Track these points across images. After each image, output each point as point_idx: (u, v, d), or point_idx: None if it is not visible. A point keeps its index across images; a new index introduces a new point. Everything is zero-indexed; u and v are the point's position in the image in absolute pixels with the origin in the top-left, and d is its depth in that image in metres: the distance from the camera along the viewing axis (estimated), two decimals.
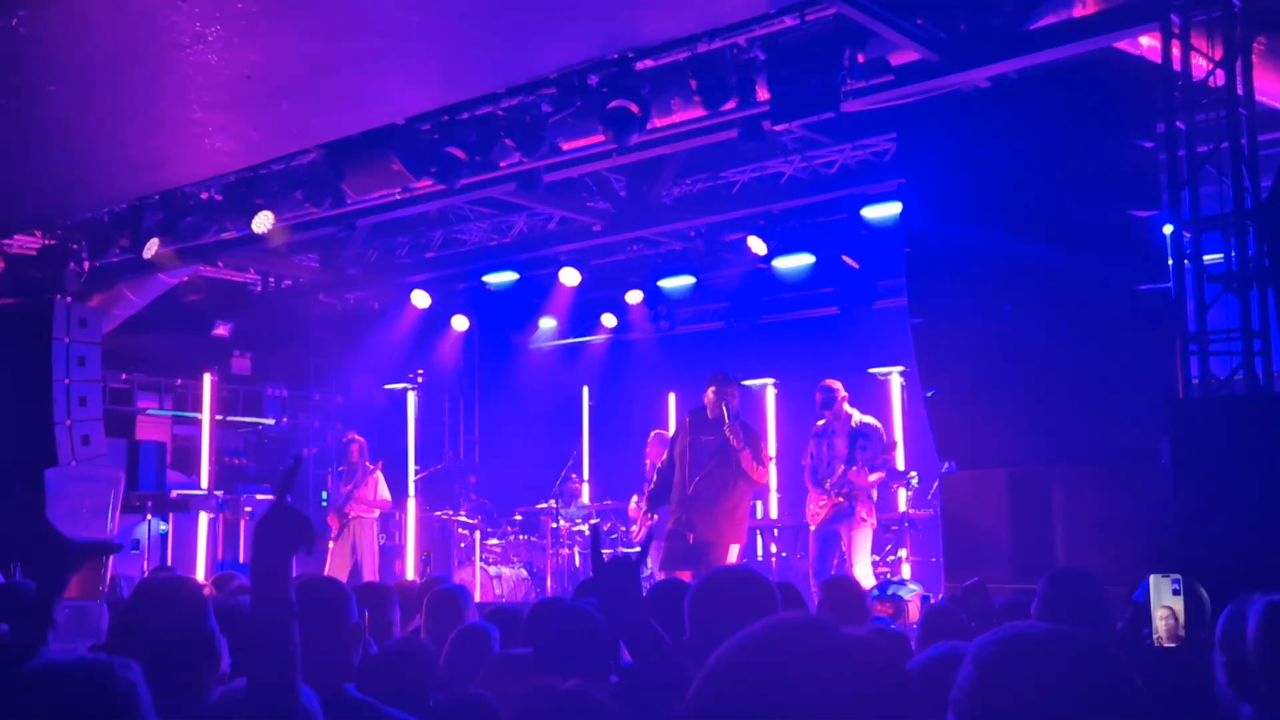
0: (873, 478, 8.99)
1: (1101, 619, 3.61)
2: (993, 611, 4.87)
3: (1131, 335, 6.83)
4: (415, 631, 4.91)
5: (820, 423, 9.29)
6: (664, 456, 8.66)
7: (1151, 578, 3.47)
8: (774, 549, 11.22)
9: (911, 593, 7.37)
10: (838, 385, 9.16)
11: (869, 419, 9.19)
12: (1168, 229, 6.64)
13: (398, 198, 9.57)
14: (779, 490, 12.50)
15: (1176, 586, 3.42)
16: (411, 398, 13.19)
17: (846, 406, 9.18)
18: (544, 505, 12.24)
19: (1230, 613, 2.93)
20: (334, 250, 12.89)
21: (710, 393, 8.31)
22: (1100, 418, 6.91)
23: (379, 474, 11.53)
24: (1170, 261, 6.38)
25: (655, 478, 8.65)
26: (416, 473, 13.05)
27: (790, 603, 4.26)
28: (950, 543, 7.40)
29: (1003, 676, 1.44)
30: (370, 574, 10.89)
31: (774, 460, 12.23)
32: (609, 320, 13.96)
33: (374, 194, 9.22)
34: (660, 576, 8.56)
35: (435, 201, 10.25)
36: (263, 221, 9.67)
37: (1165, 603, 3.46)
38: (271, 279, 13.79)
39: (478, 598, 10.49)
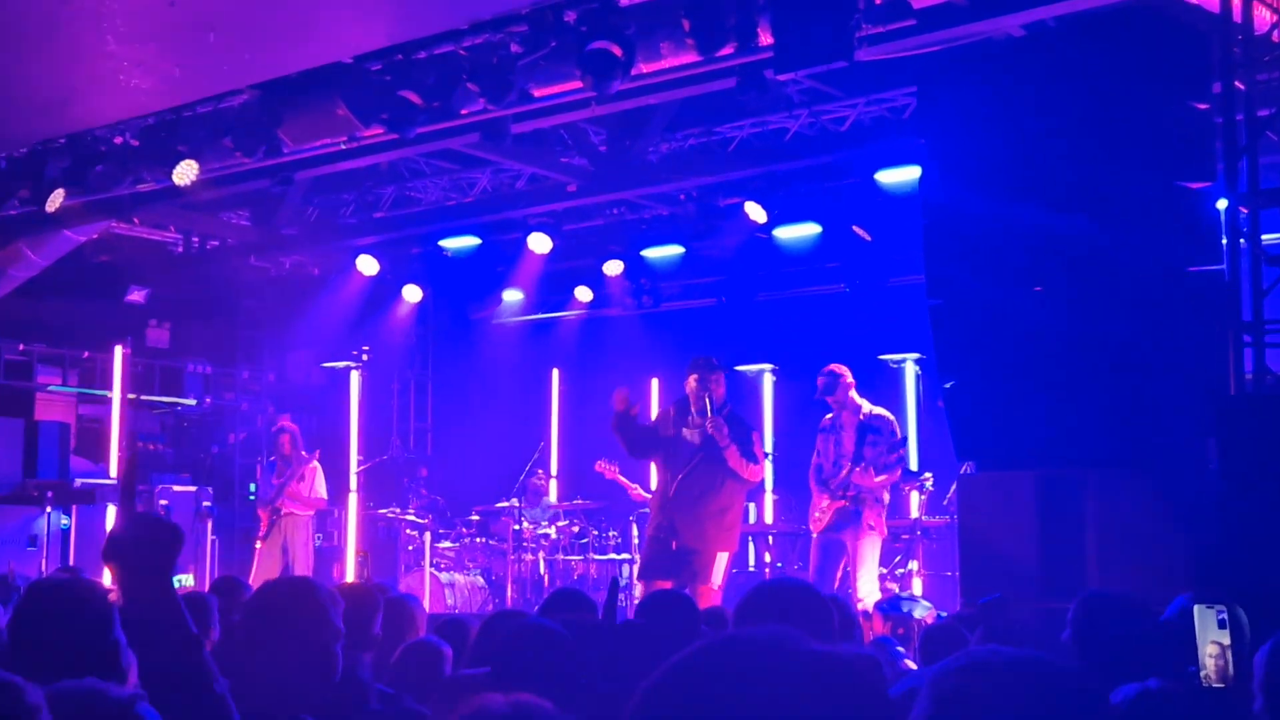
0: (880, 479, 9.00)
1: (1146, 649, 3.64)
2: (1016, 633, 4.92)
3: (1178, 323, 6.88)
4: None
5: (829, 416, 9.32)
6: (655, 424, 8.62)
7: (1196, 609, 3.49)
8: (768, 558, 11.28)
9: (924, 611, 7.43)
10: (844, 370, 9.19)
11: (880, 410, 9.22)
12: (1222, 203, 6.69)
13: (343, 148, 9.53)
14: (775, 491, 12.55)
15: (1223, 617, 3.43)
16: (355, 378, 13.16)
17: (855, 395, 9.19)
18: (505, 504, 12.27)
19: (1273, 648, 2.93)
20: (268, 207, 12.82)
21: (691, 381, 8.35)
22: (1141, 415, 6.97)
23: (315, 465, 11.54)
24: (1224, 240, 6.42)
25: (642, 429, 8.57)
26: (359, 464, 13.04)
27: (846, 625, 4.25)
28: (968, 555, 7.45)
29: (962, 715, 1.39)
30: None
31: (770, 457, 12.29)
32: (584, 294, 13.95)
33: (315, 143, 9.16)
34: (638, 588, 8.61)
35: (386, 153, 10.18)
36: (185, 172, 9.61)
37: (1213, 637, 3.44)
38: (195, 239, 13.71)
39: (426, 608, 10.52)
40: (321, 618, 3.17)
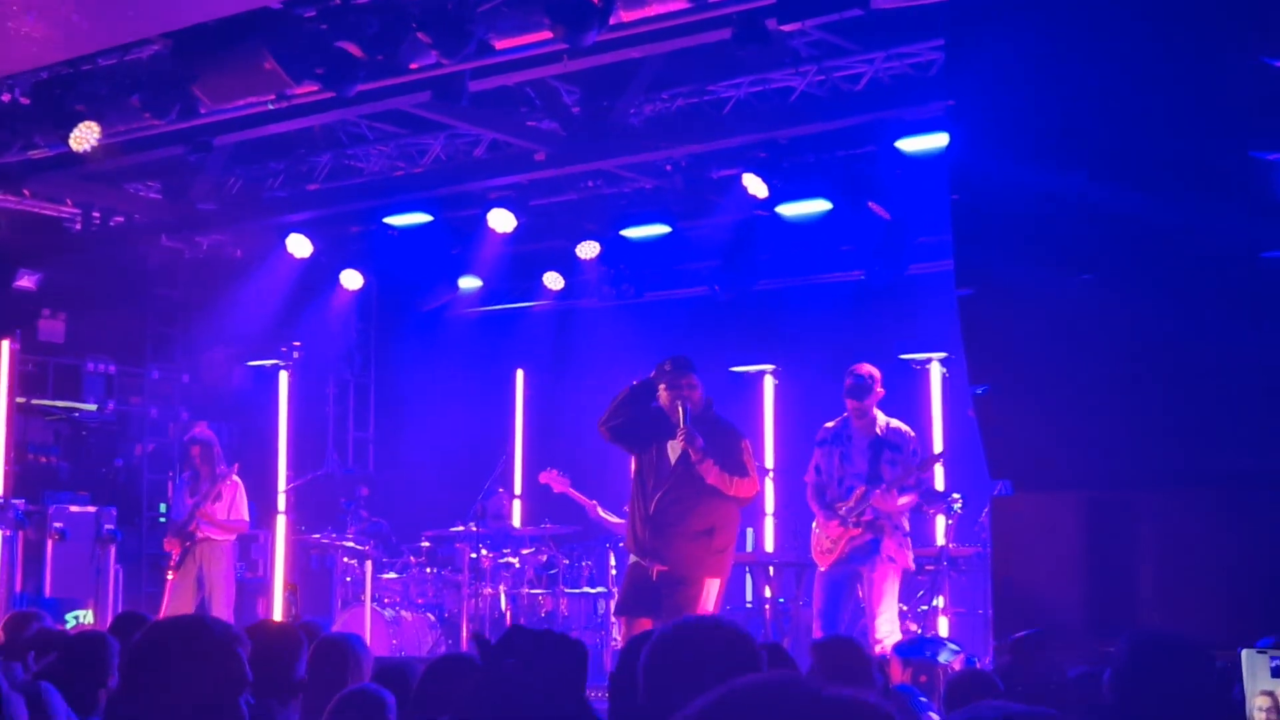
0: (904, 501, 9.00)
1: (1207, 702, 3.62)
2: (1055, 681, 4.89)
3: (1250, 317, 6.86)
4: None
5: (829, 424, 9.29)
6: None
7: (1244, 653, 3.49)
8: (768, 593, 11.24)
9: (950, 655, 7.40)
10: (876, 374, 9.17)
11: (897, 423, 9.22)
12: None
13: (270, 109, 9.48)
14: (776, 514, 12.54)
15: (1277, 664, 3.43)
16: (284, 380, 13.09)
17: (875, 407, 9.19)
18: (460, 529, 12.21)
19: None
20: (182, 178, 12.77)
21: (662, 393, 8.35)
22: (1207, 427, 6.95)
23: (236, 481, 11.47)
24: None
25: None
26: (288, 481, 12.97)
27: (777, 665, 4.26)
28: (1002, 590, 7.44)
29: None
30: (222, 613, 10.84)
31: (771, 473, 12.27)
32: (553, 281, 13.92)
33: (237, 102, 9.14)
34: (618, 627, 8.57)
35: (321, 115, 10.15)
36: (85, 136, 9.55)
37: (1264, 686, 3.46)
38: (96, 214, 13.63)
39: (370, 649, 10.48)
40: (218, 663, 3.14)
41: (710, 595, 8.22)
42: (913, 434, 9.24)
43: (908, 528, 9.17)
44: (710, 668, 2.77)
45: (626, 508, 8.70)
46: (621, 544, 11.85)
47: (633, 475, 8.54)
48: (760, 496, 12.29)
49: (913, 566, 9.22)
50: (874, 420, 9.14)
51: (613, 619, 8.20)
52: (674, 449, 8.32)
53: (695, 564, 8.20)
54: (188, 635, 3.23)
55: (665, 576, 8.17)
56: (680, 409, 8.23)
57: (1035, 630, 5.22)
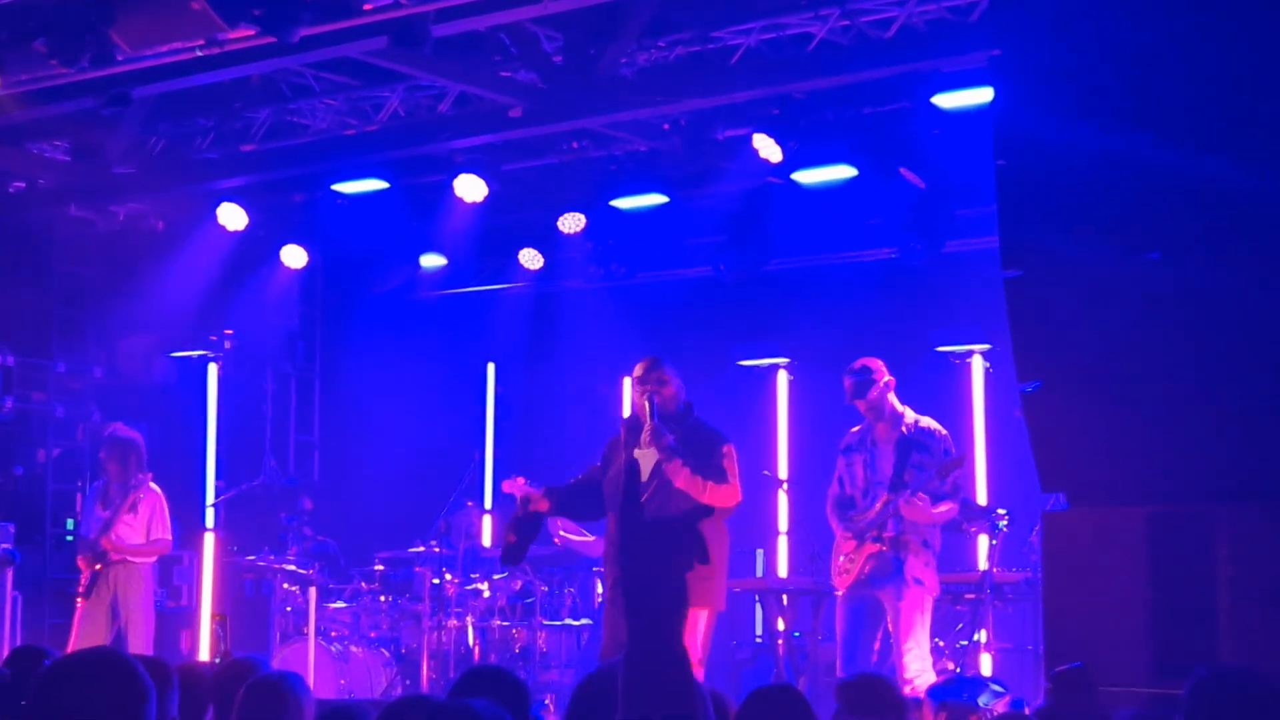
0: (939, 510, 9.01)
1: None
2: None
3: None
4: None
5: (856, 429, 9.33)
6: (586, 469, 8.86)
7: None
8: (781, 624, 11.26)
9: (992, 698, 7.43)
10: (879, 365, 9.22)
11: (928, 421, 9.25)
12: None
13: (199, 55, 9.48)
14: (790, 533, 12.56)
15: None
16: (213, 373, 13.11)
17: (894, 400, 9.20)
18: (421, 549, 12.22)
19: None
20: (95, 136, 12.75)
21: (635, 394, 8.56)
22: None
23: (156, 492, 11.46)
24: None
25: (569, 482, 8.83)
26: (218, 493, 12.98)
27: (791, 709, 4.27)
28: (1055, 621, 7.44)
29: None
30: (140, 647, 10.85)
31: (785, 485, 12.28)
32: (531, 259, 13.94)
33: (161, 48, 9.12)
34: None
35: (259, 63, 10.15)
36: None
37: None
38: None
39: (314, 690, 10.49)
40: (134, 709, 3.18)
41: (699, 628, 8.29)
42: (944, 432, 9.26)
43: (938, 546, 9.17)
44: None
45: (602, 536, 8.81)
46: (597, 570, 11.93)
47: (606, 497, 8.65)
48: (739, 507, 12.34)
49: (938, 591, 9.24)
50: (899, 418, 9.17)
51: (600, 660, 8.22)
52: (646, 460, 8.44)
53: (692, 593, 8.25)
54: (110, 671, 3.26)
55: None
56: (647, 405, 8.39)
57: (1077, 665, 5.23)
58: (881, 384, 9.18)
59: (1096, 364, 7.45)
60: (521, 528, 8.87)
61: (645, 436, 8.37)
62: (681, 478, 8.31)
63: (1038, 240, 7.61)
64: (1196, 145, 7.11)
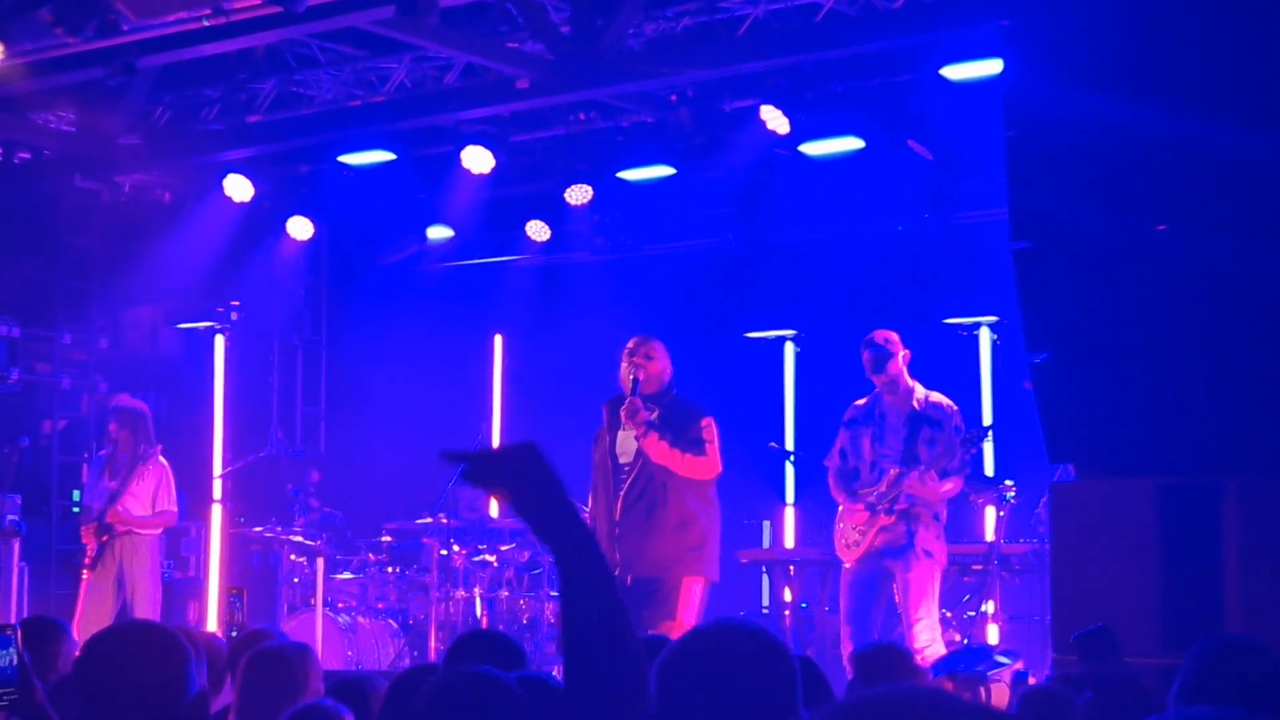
0: (947, 487, 9.04)
1: None
2: (1125, 682, 4.91)
3: None
4: (221, 714, 4.91)
5: (859, 402, 9.33)
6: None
7: None
8: (789, 595, 11.29)
9: (1001, 666, 7.44)
10: (895, 338, 9.21)
11: (939, 396, 9.25)
12: None
13: (205, 25, 9.47)
14: (797, 504, 12.58)
15: None
16: (220, 345, 13.08)
17: (907, 376, 9.20)
18: (428, 520, 12.24)
19: None
20: (101, 107, 12.72)
21: (622, 368, 8.66)
22: None
23: (163, 464, 11.47)
24: None
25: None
26: (225, 465, 12.98)
27: (812, 685, 4.28)
28: (1062, 592, 7.45)
29: None
30: (146, 618, 10.87)
31: (793, 457, 12.29)
32: (538, 231, 13.93)
33: (167, 18, 9.11)
34: None
35: (265, 33, 10.13)
36: None
37: None
38: None
39: (322, 661, 10.51)
40: (178, 680, 3.25)
41: (692, 600, 8.38)
42: (955, 408, 9.26)
43: (944, 518, 9.19)
44: (735, 681, 2.81)
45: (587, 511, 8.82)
46: None
47: (592, 473, 8.73)
48: (771, 485, 12.35)
49: (946, 562, 9.26)
50: (910, 392, 9.16)
51: None
52: (628, 443, 8.57)
53: (671, 564, 8.40)
54: (151, 643, 3.34)
55: (640, 582, 8.36)
56: (630, 380, 8.50)
57: (1100, 625, 5.22)
58: (900, 357, 9.18)
59: (1105, 335, 7.45)
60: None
61: (622, 412, 8.49)
62: (658, 451, 8.42)
63: (1047, 211, 7.60)
64: (1207, 115, 7.10)
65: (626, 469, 8.57)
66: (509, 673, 3.57)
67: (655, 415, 8.53)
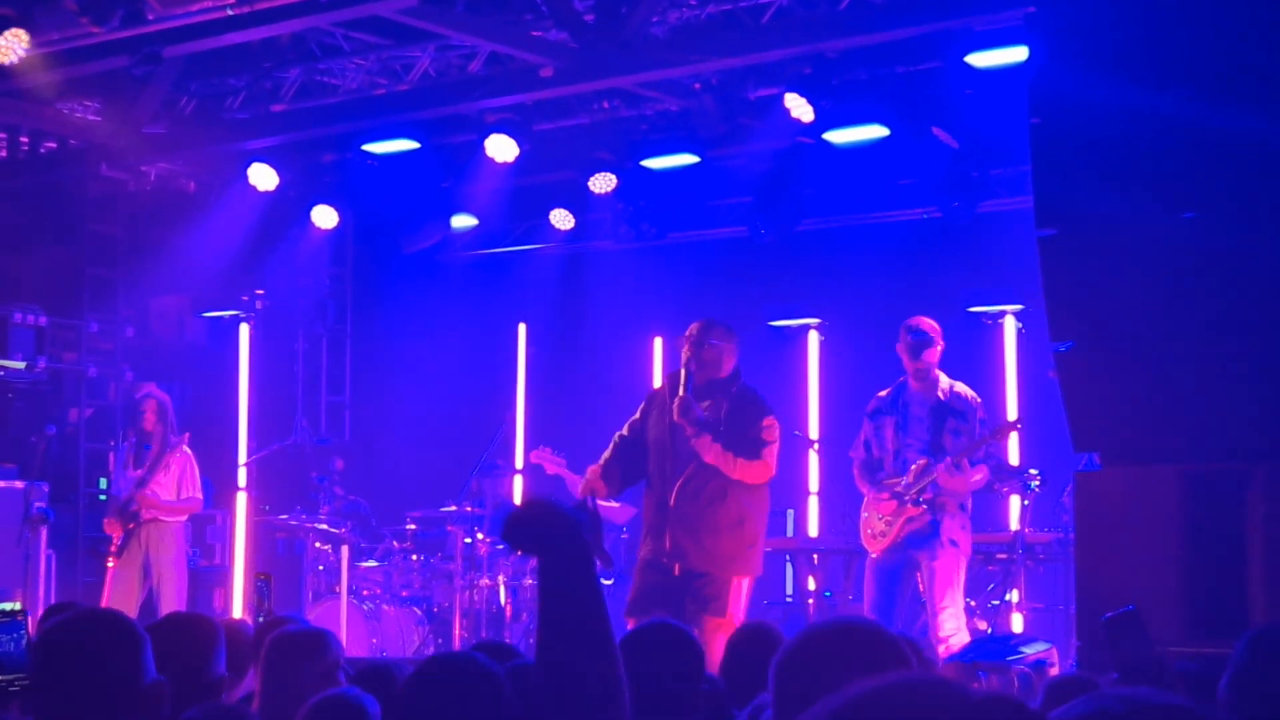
0: (976, 478, 9.02)
1: None
2: (1149, 666, 4.91)
3: None
4: (246, 699, 4.93)
5: (882, 393, 9.31)
6: (626, 427, 8.75)
7: None
8: (812, 584, 11.29)
9: (1028, 651, 7.44)
10: (937, 328, 9.18)
11: (963, 387, 9.23)
12: None
13: (229, 14, 9.48)
14: (821, 494, 12.57)
15: None
16: (245, 333, 13.13)
17: (936, 367, 9.19)
18: (452, 509, 12.26)
19: None
20: (126, 96, 12.76)
21: (685, 351, 8.46)
22: None
23: (187, 453, 11.52)
24: None
25: (610, 451, 8.72)
26: (250, 453, 13.02)
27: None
28: (1087, 582, 7.44)
29: None
30: (172, 606, 10.92)
31: (817, 445, 12.28)
32: (562, 220, 13.92)
33: (192, 6, 9.11)
34: (629, 625, 8.65)
35: (290, 21, 10.16)
36: (11, 46, 9.55)
37: None
38: (24, 139, 13.65)
39: (346, 648, 10.55)
40: (131, 667, 3.29)
41: (740, 596, 8.34)
42: (979, 400, 9.24)
43: (970, 507, 9.18)
44: (856, 676, 2.83)
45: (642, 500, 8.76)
46: (624, 535, 11.96)
47: (649, 458, 8.60)
48: (796, 474, 12.34)
49: (971, 552, 9.24)
50: (935, 382, 9.15)
51: (625, 618, 8.28)
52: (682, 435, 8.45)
53: (723, 558, 8.32)
54: (106, 632, 3.39)
55: (689, 574, 8.28)
56: (683, 374, 8.37)
57: (1129, 608, 5.21)
58: (937, 347, 9.15)
59: (1131, 323, 7.43)
60: (590, 531, 8.86)
61: (674, 409, 8.34)
62: (711, 453, 8.29)
63: (1072, 199, 7.58)
64: (1234, 101, 7.07)
65: (688, 455, 8.36)
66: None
67: (708, 408, 8.34)
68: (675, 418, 8.33)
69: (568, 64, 11.09)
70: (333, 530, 12.41)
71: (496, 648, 5.00)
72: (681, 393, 8.32)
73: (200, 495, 11.65)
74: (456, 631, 11.72)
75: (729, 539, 8.31)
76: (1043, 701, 4.75)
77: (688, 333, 8.50)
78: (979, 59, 10.40)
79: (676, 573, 8.27)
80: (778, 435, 8.57)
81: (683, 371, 8.39)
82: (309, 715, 4.20)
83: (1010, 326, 11.70)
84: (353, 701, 4.26)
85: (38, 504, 12.46)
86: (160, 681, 3.38)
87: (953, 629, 8.75)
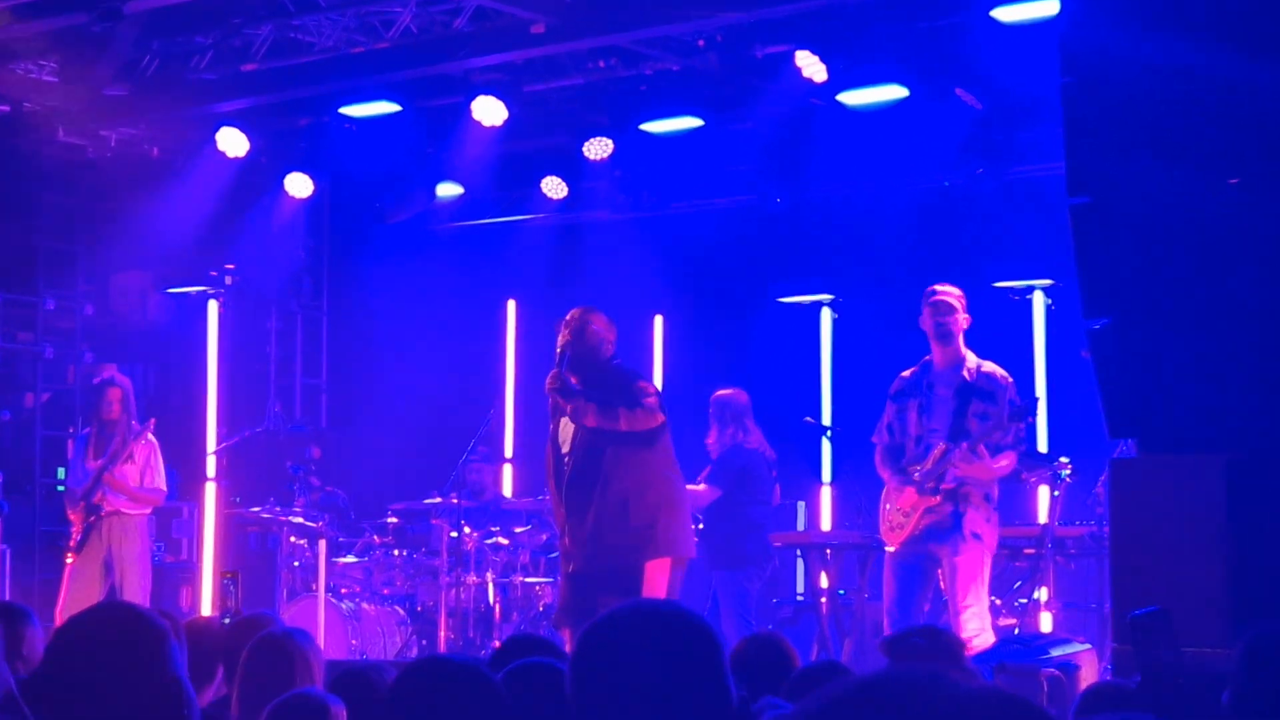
0: (1001, 464, 9.00)
1: None
2: (1172, 671, 4.89)
3: None
4: (221, 702, 4.94)
5: (905, 374, 9.29)
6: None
7: None
8: (825, 581, 11.26)
9: (1061, 652, 7.42)
10: (961, 295, 9.16)
11: (992, 366, 9.21)
12: None
13: None
14: (834, 483, 12.55)
15: None
16: (213, 311, 13.10)
17: (962, 342, 9.15)
18: (437, 500, 12.24)
19: None
20: (85, 55, 12.72)
21: (562, 335, 8.79)
22: None
23: (151, 440, 11.50)
24: None
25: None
26: (219, 440, 12.99)
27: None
28: (1122, 577, 7.42)
29: None
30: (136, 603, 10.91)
31: (829, 432, 12.26)
32: (554, 188, 13.91)
33: None
34: (563, 635, 8.73)
35: None
36: None
37: None
38: None
39: (324, 650, 10.54)
40: (160, 666, 3.27)
41: (658, 584, 8.46)
42: (1010, 379, 9.22)
43: (996, 497, 9.15)
44: (653, 667, 2.80)
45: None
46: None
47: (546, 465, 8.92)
48: (808, 463, 12.34)
49: (996, 546, 9.21)
50: (962, 361, 9.11)
51: (560, 630, 8.46)
52: (567, 425, 8.73)
53: (625, 551, 8.51)
54: (131, 628, 3.37)
55: (603, 572, 8.47)
56: (559, 355, 8.67)
57: (1157, 608, 5.19)
58: (961, 316, 9.13)
59: (1170, 299, 7.40)
60: None
61: (547, 383, 8.65)
62: (591, 417, 8.52)
63: (1107, 165, 7.55)
64: None
65: (567, 459, 8.67)
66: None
67: (574, 384, 8.62)
68: (547, 389, 8.64)
69: (560, 19, 11.08)
70: (309, 523, 12.39)
71: (533, 644, 4.97)
72: (556, 370, 8.59)
73: (164, 486, 11.65)
74: (442, 632, 11.70)
75: (616, 526, 8.50)
76: (1076, 711, 4.72)
77: (568, 317, 8.80)
78: (1006, 13, 10.40)
79: (595, 574, 8.45)
80: (655, 392, 8.82)
81: (558, 354, 8.67)
82: (272, 715, 4.20)
83: (1039, 302, 11.69)
84: (315, 701, 4.26)
85: None
86: (177, 679, 3.40)
87: (976, 629, 8.71)
